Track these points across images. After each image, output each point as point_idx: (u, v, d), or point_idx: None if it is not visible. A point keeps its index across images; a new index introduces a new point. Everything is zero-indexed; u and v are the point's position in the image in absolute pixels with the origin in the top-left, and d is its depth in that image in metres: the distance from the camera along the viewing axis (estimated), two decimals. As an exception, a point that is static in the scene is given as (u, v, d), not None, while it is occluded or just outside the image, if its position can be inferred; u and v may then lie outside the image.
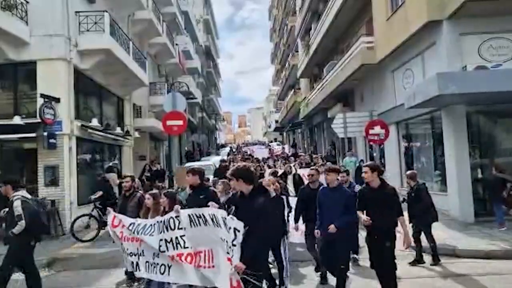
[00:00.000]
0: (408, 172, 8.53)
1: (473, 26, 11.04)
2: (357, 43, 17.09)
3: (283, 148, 37.24)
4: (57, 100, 12.40)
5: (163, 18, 23.56)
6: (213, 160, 23.28)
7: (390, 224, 5.58)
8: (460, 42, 11.23)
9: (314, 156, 21.86)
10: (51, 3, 12.73)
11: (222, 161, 21.01)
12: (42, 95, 11.98)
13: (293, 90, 41.58)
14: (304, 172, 10.88)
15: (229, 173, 4.71)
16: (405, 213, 7.79)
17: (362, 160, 16.51)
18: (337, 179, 6.46)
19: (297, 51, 35.75)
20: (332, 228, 5.74)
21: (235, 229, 4.27)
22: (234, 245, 4.28)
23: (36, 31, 12.48)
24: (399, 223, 5.63)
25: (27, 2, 12.38)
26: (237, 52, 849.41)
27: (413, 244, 7.50)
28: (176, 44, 27.90)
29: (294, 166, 13.92)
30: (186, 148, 35.22)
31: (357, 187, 9.13)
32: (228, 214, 4.46)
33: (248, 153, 29.64)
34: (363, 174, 5.81)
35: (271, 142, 61.05)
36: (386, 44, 14.69)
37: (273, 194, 6.46)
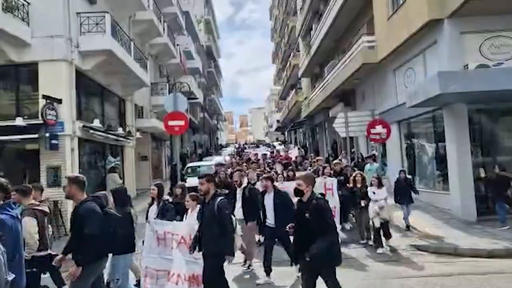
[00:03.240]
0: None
1: (475, 25, 11.02)
2: (358, 43, 17.07)
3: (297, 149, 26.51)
4: (59, 101, 12.42)
5: (164, 18, 23.60)
6: (216, 160, 23.29)
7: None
8: (461, 41, 11.22)
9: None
10: (52, 4, 12.75)
11: (218, 165, 17.51)
12: (44, 96, 12.01)
13: (294, 90, 41.56)
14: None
15: None
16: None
17: (384, 164, 14.97)
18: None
19: (298, 51, 35.74)
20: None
21: None
22: None
23: (37, 32, 12.51)
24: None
25: (28, 3, 12.41)
26: (237, 51, 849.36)
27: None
28: (177, 44, 27.92)
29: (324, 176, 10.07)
30: (187, 149, 35.13)
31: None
32: None
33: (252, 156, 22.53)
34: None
35: (277, 142, 53.80)
36: (387, 43, 14.67)
37: None
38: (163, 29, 22.77)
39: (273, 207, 7.30)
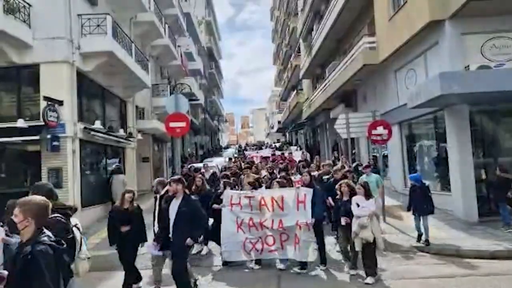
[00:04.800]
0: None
1: (476, 26, 11.01)
2: (359, 44, 17.07)
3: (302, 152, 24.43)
4: (60, 102, 12.43)
5: (165, 20, 23.61)
6: (216, 162, 23.26)
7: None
8: (462, 42, 11.21)
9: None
10: (54, 6, 12.77)
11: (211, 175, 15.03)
12: (45, 98, 12.02)
13: (295, 91, 41.57)
14: None
15: None
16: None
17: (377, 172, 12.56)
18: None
19: (299, 52, 35.75)
20: None
21: None
22: None
23: (38, 34, 12.52)
24: None
25: (30, 5, 12.42)
26: (238, 52, 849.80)
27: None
28: (178, 46, 27.93)
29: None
30: (189, 150, 35.12)
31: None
32: None
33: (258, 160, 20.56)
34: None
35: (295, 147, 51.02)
36: (389, 44, 14.66)
37: None
38: (164, 30, 22.77)
39: (175, 215, 6.25)
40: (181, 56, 28.26)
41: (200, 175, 9.78)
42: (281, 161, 17.45)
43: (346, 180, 8.06)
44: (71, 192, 12.50)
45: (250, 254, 8.15)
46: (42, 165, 12.44)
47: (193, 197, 6.77)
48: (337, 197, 7.94)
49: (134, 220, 7.21)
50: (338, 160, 17.00)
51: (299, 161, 16.65)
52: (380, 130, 12.21)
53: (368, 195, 7.24)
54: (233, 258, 8.21)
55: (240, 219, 8.15)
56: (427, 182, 9.42)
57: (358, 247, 7.04)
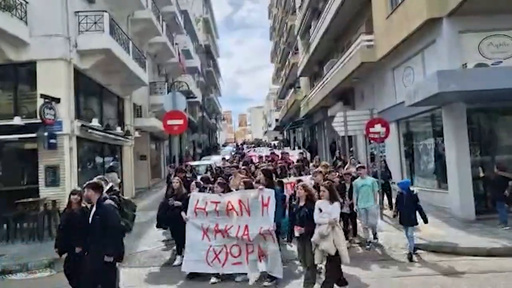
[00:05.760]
0: None
1: (473, 24, 11.02)
2: (357, 41, 17.06)
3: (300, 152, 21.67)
4: (57, 100, 12.39)
5: (162, 17, 23.56)
6: (214, 160, 23.24)
7: None
8: (460, 40, 11.21)
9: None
10: (51, 3, 12.72)
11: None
12: (42, 96, 11.98)
13: (293, 89, 41.55)
14: None
15: None
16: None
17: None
18: None
19: (297, 50, 35.71)
20: None
21: None
22: None
23: (35, 31, 12.48)
24: None
25: (27, 2, 12.37)
26: (236, 51, 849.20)
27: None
28: (176, 44, 27.90)
29: None
30: (186, 148, 35.00)
31: None
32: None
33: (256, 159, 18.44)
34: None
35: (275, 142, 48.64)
36: (386, 42, 14.66)
37: None
38: (162, 28, 22.73)
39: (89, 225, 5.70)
40: (178, 54, 28.23)
41: (177, 178, 8.72)
42: (280, 161, 15.07)
43: (302, 183, 6.72)
44: (67, 190, 12.41)
45: (212, 265, 7.29)
46: (39, 163, 12.42)
47: (107, 201, 5.81)
48: (293, 202, 6.91)
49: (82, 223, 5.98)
50: (341, 160, 15.78)
51: (296, 161, 15.29)
52: (377, 128, 12.21)
53: (333, 198, 6.06)
54: (195, 269, 7.42)
55: (206, 225, 7.46)
56: (415, 190, 8.47)
57: (317, 260, 5.95)
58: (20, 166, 13.25)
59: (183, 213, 7.77)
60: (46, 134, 12.00)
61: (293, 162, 15.07)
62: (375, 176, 11.54)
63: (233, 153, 31.14)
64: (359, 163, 12.65)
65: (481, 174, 11.04)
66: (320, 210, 5.94)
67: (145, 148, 22.60)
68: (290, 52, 40.32)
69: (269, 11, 67.30)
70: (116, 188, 7.57)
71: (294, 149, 32.76)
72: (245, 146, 48.07)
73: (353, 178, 9.51)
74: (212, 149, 48.36)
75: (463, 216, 10.75)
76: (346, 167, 12.70)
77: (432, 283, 6.64)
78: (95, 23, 13.60)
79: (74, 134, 13.06)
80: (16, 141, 12.55)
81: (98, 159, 16.12)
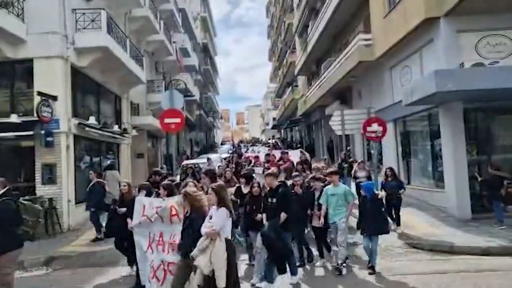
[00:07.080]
0: None
1: (471, 23, 11.05)
2: (355, 40, 17.09)
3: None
4: (54, 98, 12.35)
5: (160, 15, 23.50)
6: (213, 158, 23.16)
7: None
8: (457, 39, 11.25)
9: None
10: (48, 1, 12.67)
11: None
12: (39, 93, 11.94)
13: (290, 88, 41.58)
14: None
15: None
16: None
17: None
18: None
19: (295, 48, 35.72)
20: None
21: None
22: None
23: (32, 29, 12.42)
24: None
25: (24, -1, 12.32)
26: (234, 50, 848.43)
27: None
28: (174, 42, 27.83)
29: None
30: (183, 147, 34.87)
31: None
32: None
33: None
34: None
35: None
36: (384, 41, 14.69)
37: None
38: (159, 26, 22.67)
39: None
40: (176, 52, 28.17)
41: (126, 181, 8.11)
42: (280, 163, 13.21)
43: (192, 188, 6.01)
44: (64, 188, 12.45)
45: (150, 283, 6.13)
46: (36, 161, 12.38)
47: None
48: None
49: None
50: (346, 162, 14.37)
51: (297, 163, 12.97)
52: (375, 127, 12.25)
53: (221, 203, 5.08)
54: (146, 284, 6.29)
55: (152, 234, 6.30)
56: (380, 194, 7.55)
57: (197, 281, 4.83)
58: (16, 164, 13.20)
59: (129, 220, 6.83)
60: (43, 132, 11.96)
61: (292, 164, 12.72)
62: (369, 178, 11.40)
63: (230, 152, 30.94)
64: (371, 166, 11.81)
65: (477, 175, 10.95)
66: (211, 218, 5.02)
67: (143, 146, 22.57)
68: (288, 51, 40.33)
69: (267, 10, 67.24)
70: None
71: (293, 148, 31.64)
72: (242, 145, 47.87)
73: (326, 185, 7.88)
74: (210, 147, 48.18)
75: (460, 215, 10.78)
76: (353, 171, 12.25)
77: (428, 282, 6.65)
78: (93, 20, 13.56)
79: (71, 132, 13.02)
80: (12, 139, 12.50)
81: (95, 157, 16.06)
